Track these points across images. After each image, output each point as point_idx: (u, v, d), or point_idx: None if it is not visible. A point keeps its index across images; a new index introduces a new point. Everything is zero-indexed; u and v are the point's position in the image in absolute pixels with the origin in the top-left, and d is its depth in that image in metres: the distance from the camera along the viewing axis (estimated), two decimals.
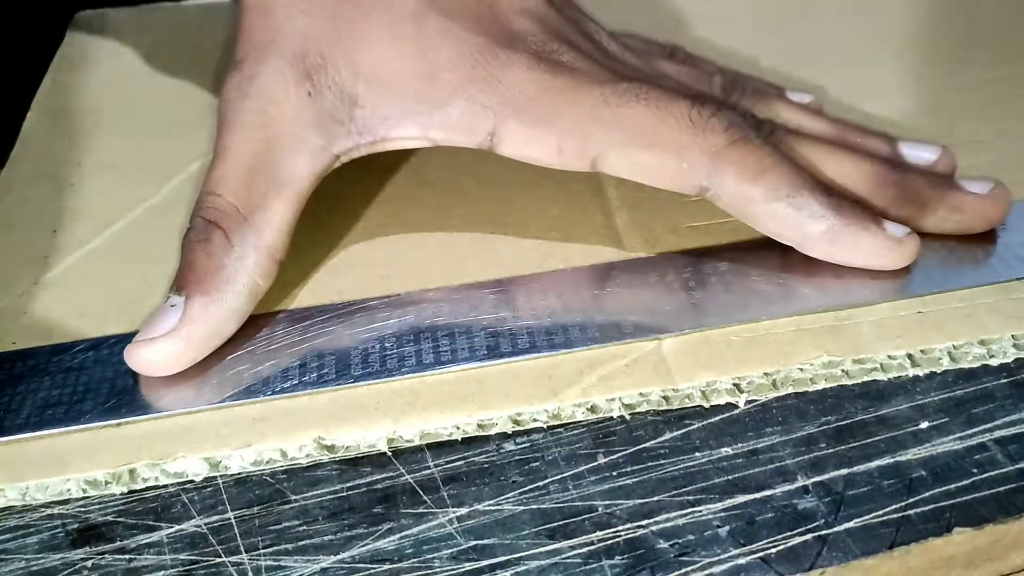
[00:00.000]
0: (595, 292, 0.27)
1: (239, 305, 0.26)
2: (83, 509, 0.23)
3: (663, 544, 0.22)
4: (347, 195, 0.31)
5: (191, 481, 0.24)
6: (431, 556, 0.22)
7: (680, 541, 0.22)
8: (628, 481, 0.23)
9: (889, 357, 0.25)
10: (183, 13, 0.43)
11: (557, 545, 0.22)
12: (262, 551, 0.22)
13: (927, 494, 0.22)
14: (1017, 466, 0.23)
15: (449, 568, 0.22)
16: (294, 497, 0.23)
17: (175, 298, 0.25)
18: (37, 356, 0.26)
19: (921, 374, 0.25)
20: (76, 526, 0.23)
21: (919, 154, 0.29)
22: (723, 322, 0.26)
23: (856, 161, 0.28)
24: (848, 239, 0.26)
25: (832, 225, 0.26)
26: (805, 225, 0.26)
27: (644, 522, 0.22)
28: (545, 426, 0.24)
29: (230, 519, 0.23)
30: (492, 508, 0.23)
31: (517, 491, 0.23)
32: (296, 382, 0.25)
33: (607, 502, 0.23)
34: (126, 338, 0.26)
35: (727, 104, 0.27)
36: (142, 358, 0.25)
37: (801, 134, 0.28)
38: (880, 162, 0.28)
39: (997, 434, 0.24)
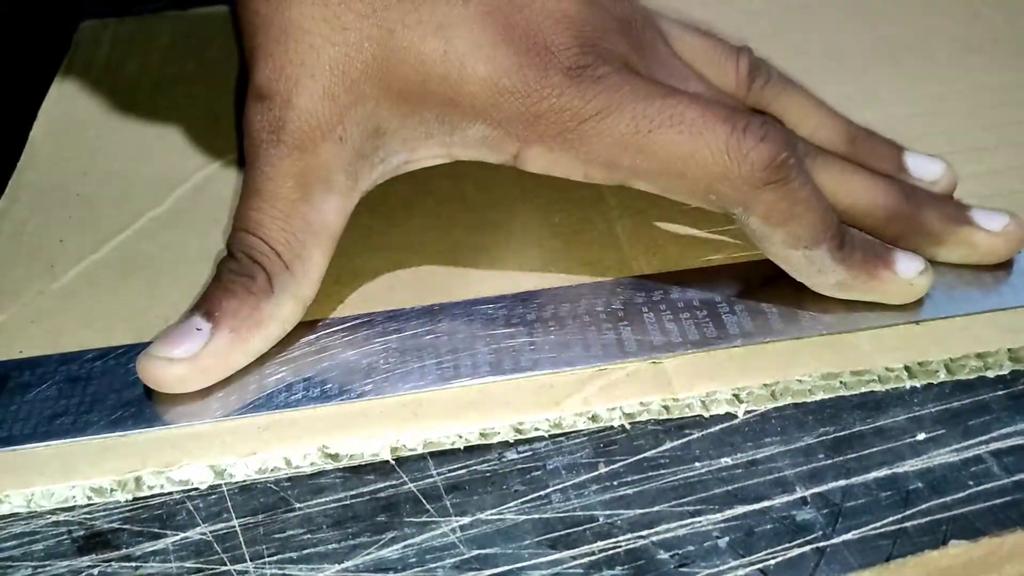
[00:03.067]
0: (600, 310, 0.27)
1: (261, 349, 0.26)
2: (89, 516, 0.24)
3: (663, 555, 0.22)
4: None
5: (196, 489, 0.24)
6: (434, 565, 0.22)
7: (680, 552, 0.22)
8: (629, 491, 0.23)
9: (887, 369, 0.25)
10: (188, 21, 0.43)
11: (559, 555, 0.22)
12: (267, 559, 0.22)
13: (924, 506, 0.23)
14: (1012, 478, 0.23)
15: None
16: (298, 505, 0.24)
17: (202, 322, 0.25)
18: (45, 365, 0.27)
19: (918, 385, 0.25)
20: (82, 533, 0.23)
21: (924, 166, 0.29)
22: (726, 345, 0.26)
23: (868, 190, 0.27)
24: (858, 288, 0.26)
25: (841, 279, 0.26)
26: (815, 276, 0.26)
27: (644, 532, 0.22)
28: (547, 435, 0.25)
29: (235, 527, 0.23)
30: (494, 517, 0.23)
31: (519, 500, 0.23)
32: (300, 396, 0.25)
33: (608, 512, 0.23)
34: (134, 348, 0.26)
35: (770, 131, 0.25)
36: (155, 375, 0.25)
37: (817, 149, 0.28)
38: (893, 193, 0.27)
39: (993, 446, 0.24)
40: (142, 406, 0.25)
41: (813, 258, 0.26)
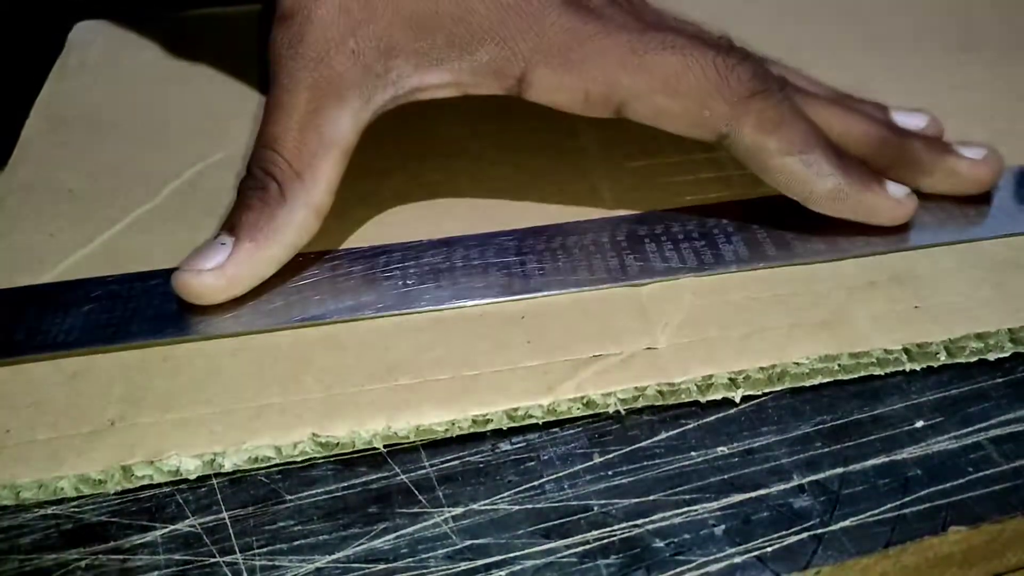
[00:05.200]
0: (606, 240, 0.29)
1: (281, 255, 0.27)
2: (77, 509, 0.23)
3: (659, 543, 0.22)
4: (341, 194, 0.31)
5: (185, 481, 0.24)
6: (426, 556, 0.22)
7: (676, 540, 0.22)
8: (624, 480, 0.23)
9: (885, 351, 0.25)
10: (181, 23, 0.43)
11: (552, 544, 0.22)
12: (257, 551, 0.22)
13: (922, 493, 0.22)
14: (1012, 465, 0.23)
15: (444, 568, 0.22)
16: (289, 497, 0.23)
17: (225, 237, 0.27)
18: (87, 286, 0.28)
19: (918, 368, 0.25)
20: (70, 526, 0.23)
21: (910, 120, 0.31)
22: (723, 270, 0.27)
23: (859, 121, 0.29)
24: (853, 198, 0.28)
25: (838, 184, 0.27)
26: (813, 182, 0.27)
27: (639, 521, 0.22)
28: (540, 423, 0.24)
29: (225, 519, 0.23)
30: (487, 508, 0.23)
31: (512, 491, 0.23)
32: (326, 310, 0.27)
33: (603, 501, 0.23)
34: (171, 271, 0.27)
35: (749, 55, 0.28)
36: (187, 286, 0.27)
37: (807, 92, 0.29)
38: (881, 125, 0.29)
39: (992, 433, 0.24)
40: (179, 319, 0.27)
41: (810, 161, 0.27)
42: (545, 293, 0.27)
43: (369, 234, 0.30)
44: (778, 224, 0.29)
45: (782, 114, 0.27)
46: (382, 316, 0.27)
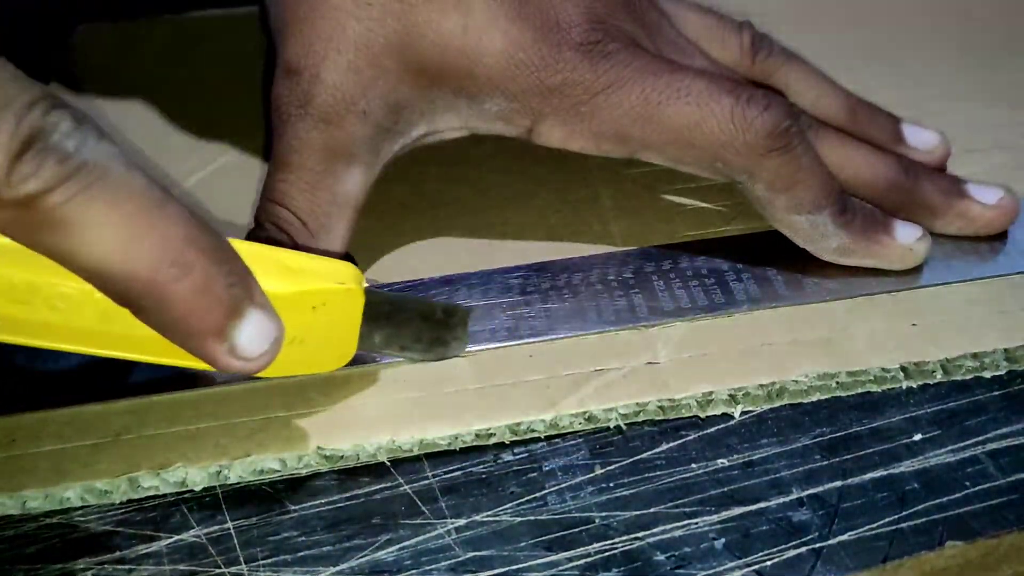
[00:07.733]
0: (613, 278, 0.28)
1: None
2: (82, 519, 0.24)
3: (660, 556, 0.22)
4: None
5: (190, 491, 0.24)
6: (430, 567, 0.22)
7: (676, 553, 0.22)
8: (625, 492, 0.23)
9: (883, 370, 0.25)
10: (184, 26, 0.43)
11: (555, 557, 0.22)
12: (261, 561, 0.22)
13: (920, 507, 0.23)
14: (1009, 479, 0.23)
15: None
16: (293, 507, 0.24)
17: None
18: None
19: (915, 386, 0.25)
20: (75, 536, 0.23)
21: (921, 136, 0.30)
22: (735, 310, 0.27)
23: (870, 163, 0.28)
24: (858, 253, 0.27)
25: (843, 243, 0.27)
26: (818, 240, 0.27)
27: (641, 534, 0.22)
28: (543, 436, 0.25)
29: (229, 529, 0.23)
30: (490, 519, 0.23)
31: (515, 502, 0.23)
32: None
33: (604, 514, 0.23)
34: None
35: (774, 100, 0.26)
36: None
37: (819, 123, 0.29)
38: (893, 166, 0.29)
39: (990, 447, 0.24)
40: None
41: (816, 223, 0.27)
42: (552, 337, 0.26)
43: (369, 261, 0.29)
44: (790, 258, 0.28)
45: (795, 172, 0.26)
46: (386, 365, 0.26)
